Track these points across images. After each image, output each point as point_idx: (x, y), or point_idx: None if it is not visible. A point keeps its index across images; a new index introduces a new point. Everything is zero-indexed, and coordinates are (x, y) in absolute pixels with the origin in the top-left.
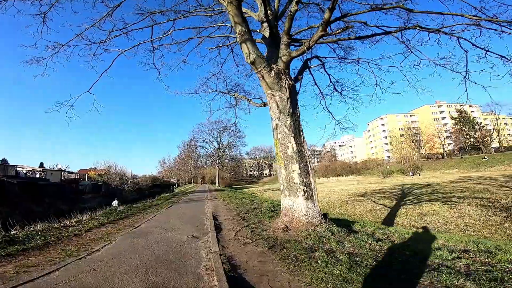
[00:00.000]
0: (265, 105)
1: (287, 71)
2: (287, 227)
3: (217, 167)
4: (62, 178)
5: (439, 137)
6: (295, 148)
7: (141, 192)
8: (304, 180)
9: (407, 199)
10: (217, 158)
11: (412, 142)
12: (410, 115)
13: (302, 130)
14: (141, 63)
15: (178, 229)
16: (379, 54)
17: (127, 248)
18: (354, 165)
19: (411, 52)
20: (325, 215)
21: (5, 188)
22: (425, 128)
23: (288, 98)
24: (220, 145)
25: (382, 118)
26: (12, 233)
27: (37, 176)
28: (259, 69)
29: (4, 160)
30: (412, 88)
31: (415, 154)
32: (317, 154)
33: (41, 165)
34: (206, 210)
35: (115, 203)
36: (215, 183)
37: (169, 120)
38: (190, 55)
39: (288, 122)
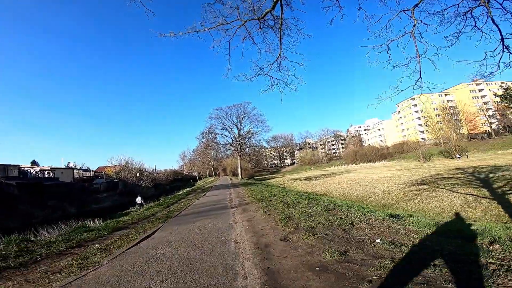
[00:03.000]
0: None
1: None
2: None
3: (238, 157)
4: (77, 176)
5: (485, 115)
6: None
7: (161, 187)
8: None
9: (497, 185)
10: (238, 147)
11: (451, 122)
12: (445, 95)
13: None
14: None
15: None
16: None
17: None
18: (385, 149)
19: None
20: None
21: (1, 190)
22: (464, 106)
23: None
24: (241, 131)
25: (413, 98)
26: None
27: (46, 175)
28: None
29: (34, 162)
30: None
31: (454, 134)
32: (341, 140)
33: (68, 165)
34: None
35: (139, 199)
36: (237, 175)
37: (187, 107)
38: None
39: None
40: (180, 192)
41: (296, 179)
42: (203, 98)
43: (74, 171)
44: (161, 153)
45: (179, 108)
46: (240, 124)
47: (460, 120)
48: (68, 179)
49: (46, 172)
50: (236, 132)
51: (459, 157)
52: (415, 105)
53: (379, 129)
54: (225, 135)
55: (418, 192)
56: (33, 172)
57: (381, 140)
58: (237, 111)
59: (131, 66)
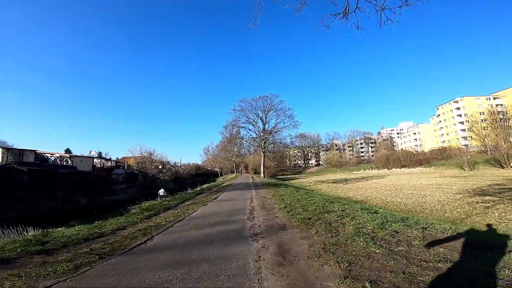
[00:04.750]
0: None
1: None
2: None
3: (262, 153)
4: (98, 166)
5: None
6: None
7: (181, 181)
8: None
9: None
10: (262, 142)
11: (500, 127)
12: (494, 98)
13: None
14: None
15: None
16: None
17: None
18: (422, 155)
19: None
20: None
21: (11, 177)
22: None
23: None
24: (266, 126)
25: (457, 101)
26: None
27: (65, 163)
28: None
29: (67, 150)
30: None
31: (504, 142)
32: (371, 143)
33: (100, 154)
34: None
35: (161, 191)
36: (258, 173)
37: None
38: None
39: None
40: (193, 190)
41: (323, 181)
42: (228, 93)
43: (95, 160)
44: (187, 147)
45: (207, 102)
46: (266, 118)
47: (510, 126)
48: (87, 168)
49: (64, 160)
50: (261, 126)
51: None
52: (458, 108)
53: (414, 133)
54: (249, 129)
55: (488, 204)
56: (52, 159)
57: (416, 145)
58: (263, 103)
59: (158, 62)
